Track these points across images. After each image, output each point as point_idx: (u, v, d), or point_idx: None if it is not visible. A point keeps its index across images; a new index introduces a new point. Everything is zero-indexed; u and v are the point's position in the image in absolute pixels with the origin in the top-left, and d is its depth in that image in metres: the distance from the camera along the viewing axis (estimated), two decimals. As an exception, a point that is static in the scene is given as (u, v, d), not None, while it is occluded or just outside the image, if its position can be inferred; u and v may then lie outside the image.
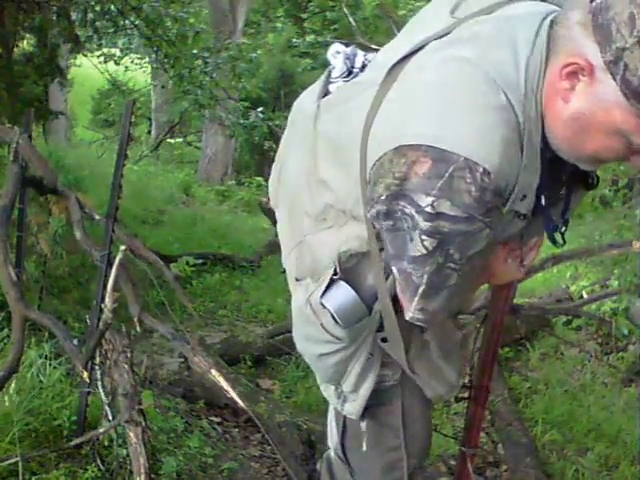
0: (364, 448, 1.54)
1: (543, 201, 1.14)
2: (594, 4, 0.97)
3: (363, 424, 1.52)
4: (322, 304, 1.32)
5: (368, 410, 1.47)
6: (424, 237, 1.08)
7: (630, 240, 4.16)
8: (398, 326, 1.31)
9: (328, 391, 1.51)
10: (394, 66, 1.17)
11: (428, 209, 1.05)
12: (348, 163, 1.21)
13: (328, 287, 1.32)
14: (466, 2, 1.20)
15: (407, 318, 1.23)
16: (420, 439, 1.56)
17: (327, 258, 1.32)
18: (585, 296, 4.99)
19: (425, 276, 1.14)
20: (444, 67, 1.08)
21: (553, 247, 1.45)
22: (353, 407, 1.46)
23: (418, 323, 1.24)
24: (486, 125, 1.03)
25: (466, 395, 1.66)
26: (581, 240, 5.11)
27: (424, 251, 1.10)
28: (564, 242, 1.29)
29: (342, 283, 1.30)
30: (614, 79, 0.97)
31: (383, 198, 1.10)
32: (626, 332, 4.35)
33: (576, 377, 3.88)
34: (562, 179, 1.23)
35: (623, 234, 4.82)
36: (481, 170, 1.02)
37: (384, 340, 1.35)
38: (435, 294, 1.18)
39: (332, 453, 1.66)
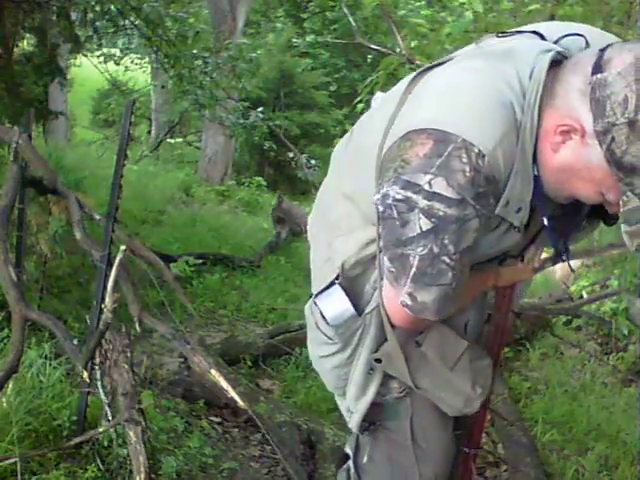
0: (369, 461, 1.55)
1: (545, 222, 1.23)
2: (594, 78, 1.10)
3: (367, 439, 1.54)
4: (315, 302, 1.41)
5: (376, 426, 1.49)
6: (420, 216, 1.14)
7: (630, 240, 4.15)
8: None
9: (341, 405, 1.53)
10: (415, 77, 1.28)
11: (426, 187, 1.13)
12: (368, 166, 1.27)
13: (326, 289, 1.39)
14: (490, 39, 1.33)
15: (398, 303, 1.25)
16: (434, 459, 1.53)
17: (335, 264, 1.38)
18: (585, 296, 4.99)
19: (417, 257, 1.18)
20: (457, 73, 1.22)
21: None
22: (354, 420, 1.47)
23: (406, 310, 1.24)
24: (487, 115, 1.14)
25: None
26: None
27: (418, 230, 1.16)
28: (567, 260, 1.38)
29: (337, 287, 1.37)
30: (601, 147, 1.09)
31: (388, 181, 1.17)
32: (626, 332, 4.35)
33: (576, 377, 3.88)
34: (575, 213, 1.32)
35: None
36: (476, 151, 1.11)
37: (378, 361, 1.38)
38: (426, 284, 1.20)
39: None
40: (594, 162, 1.12)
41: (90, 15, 5.86)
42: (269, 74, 11.75)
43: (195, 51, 6.46)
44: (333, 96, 12.74)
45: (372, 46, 6.23)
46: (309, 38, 12.92)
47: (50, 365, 2.53)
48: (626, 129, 1.06)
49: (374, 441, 1.54)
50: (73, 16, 5.87)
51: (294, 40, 12.60)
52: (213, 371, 2.04)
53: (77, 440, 2.20)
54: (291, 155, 8.65)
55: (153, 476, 2.16)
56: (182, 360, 3.27)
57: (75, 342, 2.09)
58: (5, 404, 2.24)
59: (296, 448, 2.64)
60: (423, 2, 11.82)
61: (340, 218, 1.39)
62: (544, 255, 1.52)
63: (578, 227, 1.38)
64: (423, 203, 1.14)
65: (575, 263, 5.43)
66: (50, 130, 8.35)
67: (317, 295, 1.41)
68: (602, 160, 1.10)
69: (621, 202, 1.13)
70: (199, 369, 2.16)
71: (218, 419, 2.95)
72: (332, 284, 1.39)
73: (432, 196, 1.13)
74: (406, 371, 1.38)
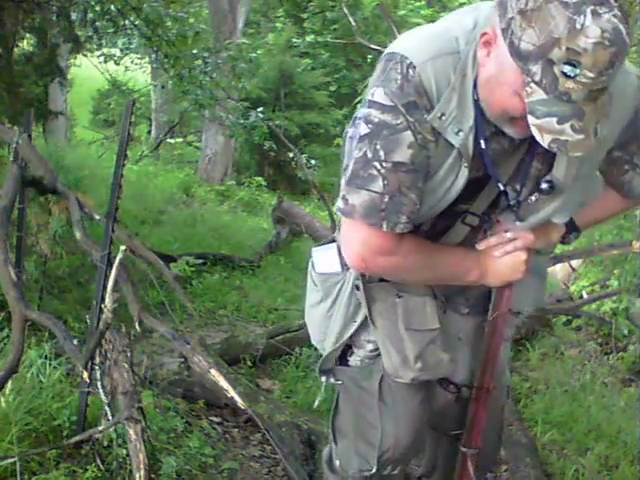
0: (340, 416, 1.71)
1: (483, 145, 1.30)
2: None
3: (342, 398, 1.69)
4: (313, 252, 1.61)
5: (348, 381, 1.64)
6: (361, 123, 1.29)
7: (630, 240, 4.16)
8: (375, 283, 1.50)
9: (318, 365, 1.68)
10: None
11: (369, 97, 1.29)
12: None
13: (327, 243, 1.59)
14: None
15: (334, 208, 1.40)
16: (397, 417, 1.61)
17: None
18: (585, 296, 5.00)
19: (352, 162, 1.31)
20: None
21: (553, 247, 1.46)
22: (320, 362, 1.64)
23: (339, 213, 1.35)
24: (427, 39, 1.30)
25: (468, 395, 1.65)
26: (581, 240, 5.11)
27: (357, 136, 1.29)
28: (517, 207, 1.41)
29: (334, 245, 1.54)
30: (505, 42, 1.16)
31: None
32: (626, 332, 4.35)
33: (576, 377, 3.87)
34: (513, 151, 1.37)
35: (623, 234, 4.83)
36: (408, 62, 1.25)
37: (357, 288, 1.51)
38: (357, 187, 1.30)
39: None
40: (505, 62, 1.17)
41: (90, 15, 5.85)
42: (269, 74, 11.74)
43: (195, 51, 6.45)
44: (333, 96, 12.73)
45: (372, 46, 6.24)
46: (309, 38, 12.91)
47: (50, 365, 2.53)
48: (519, 18, 1.12)
49: (347, 400, 1.68)
50: (73, 16, 5.86)
51: (294, 40, 12.59)
52: (213, 371, 2.04)
53: (77, 438, 2.20)
54: (291, 155, 8.64)
55: (153, 476, 2.16)
56: (182, 360, 3.27)
57: (75, 342, 2.09)
58: (5, 404, 2.24)
59: (296, 448, 2.64)
60: (423, 2, 11.83)
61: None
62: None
63: (526, 182, 1.39)
64: (365, 112, 1.29)
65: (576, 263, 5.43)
66: (50, 130, 8.34)
67: (317, 246, 1.61)
68: (508, 56, 1.16)
69: (524, 94, 1.16)
70: (199, 369, 2.16)
71: (218, 419, 2.95)
72: (333, 241, 1.55)
73: (372, 104, 1.28)
74: (366, 305, 1.51)
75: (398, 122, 1.25)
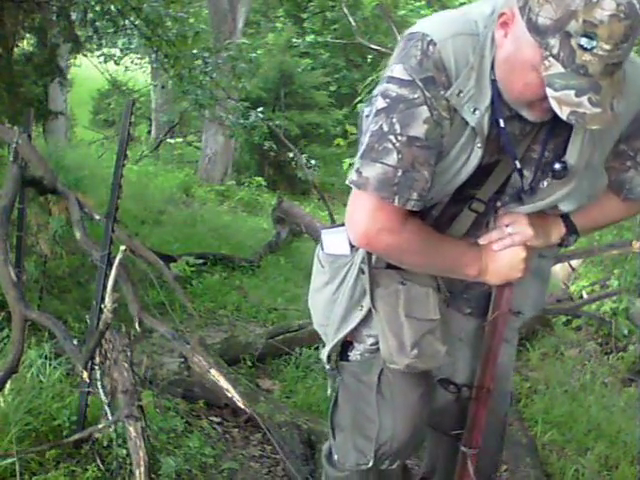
0: (338, 409, 1.70)
1: (502, 123, 1.32)
2: None
3: (341, 391, 1.68)
4: (322, 233, 1.61)
5: (348, 376, 1.64)
6: (379, 98, 1.31)
7: (630, 240, 4.16)
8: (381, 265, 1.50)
9: (323, 353, 1.66)
10: None
11: (388, 73, 1.32)
12: None
13: (337, 226, 1.58)
14: None
15: (347, 181, 1.36)
16: (395, 411, 1.61)
17: None
18: (585, 296, 5.00)
19: (368, 134, 1.32)
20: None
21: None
22: (326, 349, 1.63)
23: (351, 185, 1.34)
24: (447, 19, 1.34)
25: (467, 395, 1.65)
26: (581, 240, 5.10)
27: (374, 111, 1.31)
28: (532, 191, 1.42)
29: (343, 229, 1.50)
30: (523, 19, 1.19)
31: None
32: (626, 332, 4.36)
33: (576, 377, 3.87)
34: (529, 132, 1.39)
35: (623, 234, 4.83)
36: (428, 39, 1.28)
37: (362, 271, 1.51)
38: (371, 160, 1.31)
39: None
40: (522, 39, 1.20)
41: (90, 15, 5.85)
42: (269, 74, 11.73)
43: (195, 51, 6.45)
44: (333, 96, 12.72)
45: (372, 46, 6.24)
46: (309, 38, 12.91)
47: (50, 365, 2.53)
48: None
49: (346, 394, 1.67)
50: (73, 16, 5.86)
51: (294, 40, 12.59)
52: (213, 371, 2.04)
53: (76, 437, 2.20)
54: (291, 155, 8.63)
55: (153, 476, 2.16)
56: (182, 360, 3.27)
57: (75, 342, 2.09)
58: (5, 404, 2.24)
59: (296, 448, 2.64)
60: (423, 2, 11.82)
61: None
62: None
63: (540, 166, 1.41)
64: (383, 87, 1.31)
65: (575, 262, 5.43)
66: (50, 130, 8.34)
67: (327, 229, 1.61)
68: (526, 32, 1.19)
69: (543, 67, 1.18)
70: (199, 369, 2.16)
71: (218, 419, 2.95)
72: (343, 224, 1.51)
73: (390, 80, 1.30)
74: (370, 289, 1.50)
75: (415, 96, 1.27)
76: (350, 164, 5.32)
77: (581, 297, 5.02)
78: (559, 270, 5.39)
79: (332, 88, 13.01)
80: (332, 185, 11.29)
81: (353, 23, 5.90)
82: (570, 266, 5.37)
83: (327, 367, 1.68)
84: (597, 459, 2.93)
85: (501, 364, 1.62)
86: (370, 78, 4.26)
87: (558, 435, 3.10)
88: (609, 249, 4.20)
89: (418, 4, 11.85)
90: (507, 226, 1.45)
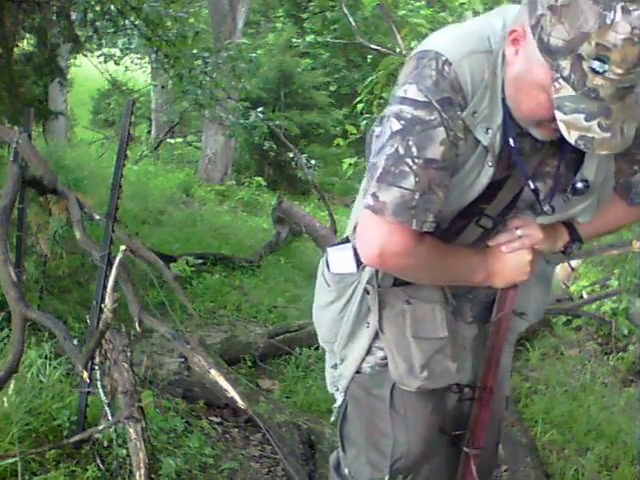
0: (351, 426, 1.65)
1: (512, 142, 1.31)
2: None
3: (352, 407, 1.63)
4: (327, 251, 1.58)
5: (358, 389, 1.60)
6: (392, 120, 1.28)
7: (630, 240, 4.16)
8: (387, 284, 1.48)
9: (328, 362, 1.64)
10: None
11: (400, 93, 1.28)
12: None
13: (341, 243, 1.55)
14: None
15: (363, 206, 1.33)
16: (410, 427, 1.58)
17: (352, 223, 1.53)
18: (585, 296, 5.00)
19: (384, 158, 1.28)
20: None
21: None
22: (342, 380, 1.59)
23: (367, 210, 1.31)
24: (461, 37, 1.30)
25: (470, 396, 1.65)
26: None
27: (388, 132, 1.28)
28: (553, 211, 1.40)
29: (349, 245, 1.50)
30: (534, 38, 1.17)
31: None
32: (626, 332, 4.35)
33: (576, 377, 3.88)
34: (540, 149, 1.37)
35: (623, 234, 4.83)
36: (443, 59, 1.25)
37: (367, 292, 1.49)
38: (388, 184, 1.28)
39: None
40: (533, 59, 1.18)
41: (90, 15, 5.85)
42: (269, 74, 11.73)
43: (195, 51, 6.45)
44: (333, 96, 12.72)
45: (372, 46, 6.22)
46: (309, 38, 12.89)
47: (50, 365, 2.53)
48: (549, 15, 1.13)
49: (356, 408, 1.63)
50: (73, 16, 5.86)
51: (294, 40, 12.58)
52: (213, 371, 2.04)
53: (77, 437, 2.20)
54: (291, 155, 8.63)
55: (153, 476, 2.16)
56: (182, 360, 3.27)
57: (75, 342, 2.09)
58: (5, 404, 2.24)
59: (296, 448, 2.64)
60: (423, 2, 11.81)
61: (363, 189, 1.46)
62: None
63: (559, 184, 1.39)
64: (396, 108, 1.28)
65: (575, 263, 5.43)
66: (50, 130, 8.35)
67: (332, 246, 1.57)
68: (537, 52, 1.17)
69: (553, 89, 1.16)
70: (199, 369, 2.16)
71: (218, 419, 2.95)
72: (347, 241, 1.52)
73: (404, 101, 1.27)
74: (376, 310, 1.48)
75: (432, 118, 1.25)
76: (350, 164, 5.32)
77: (581, 297, 5.02)
78: (559, 270, 5.39)
79: (332, 88, 13.01)
80: (332, 185, 11.30)
81: (353, 23, 5.89)
82: (570, 266, 5.37)
83: (336, 395, 1.64)
84: (597, 459, 2.93)
85: (501, 365, 1.62)
86: (370, 78, 4.25)
87: (558, 435, 3.10)
88: (609, 249, 4.20)
89: (418, 4, 11.84)
90: (517, 229, 1.44)
